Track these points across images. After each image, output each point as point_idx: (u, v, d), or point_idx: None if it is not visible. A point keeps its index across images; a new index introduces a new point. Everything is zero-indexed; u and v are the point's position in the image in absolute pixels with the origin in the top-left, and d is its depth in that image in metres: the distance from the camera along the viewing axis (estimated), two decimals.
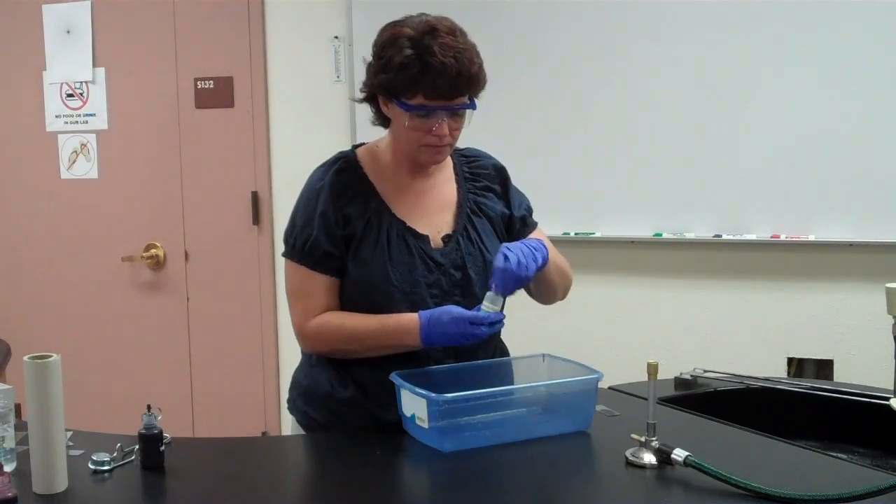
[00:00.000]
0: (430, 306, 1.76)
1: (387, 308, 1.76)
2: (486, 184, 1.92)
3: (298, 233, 1.81)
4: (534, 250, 1.71)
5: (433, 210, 1.85)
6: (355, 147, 1.91)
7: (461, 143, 1.88)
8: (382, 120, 1.82)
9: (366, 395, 1.81)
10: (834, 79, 2.97)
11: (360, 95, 1.82)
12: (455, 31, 1.70)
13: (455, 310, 1.69)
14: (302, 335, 1.84)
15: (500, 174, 1.95)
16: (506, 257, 1.67)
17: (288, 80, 3.62)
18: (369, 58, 1.78)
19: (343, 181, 1.81)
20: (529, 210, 1.97)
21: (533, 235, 1.93)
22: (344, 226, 1.78)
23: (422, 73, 1.66)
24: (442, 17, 1.73)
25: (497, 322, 1.69)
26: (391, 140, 1.84)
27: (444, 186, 1.89)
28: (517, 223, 1.93)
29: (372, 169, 1.85)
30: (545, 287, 1.88)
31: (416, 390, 1.64)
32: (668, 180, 3.17)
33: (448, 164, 1.91)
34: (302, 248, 1.80)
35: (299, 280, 1.82)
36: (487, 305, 1.69)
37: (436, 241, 1.82)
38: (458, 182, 1.91)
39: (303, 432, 1.91)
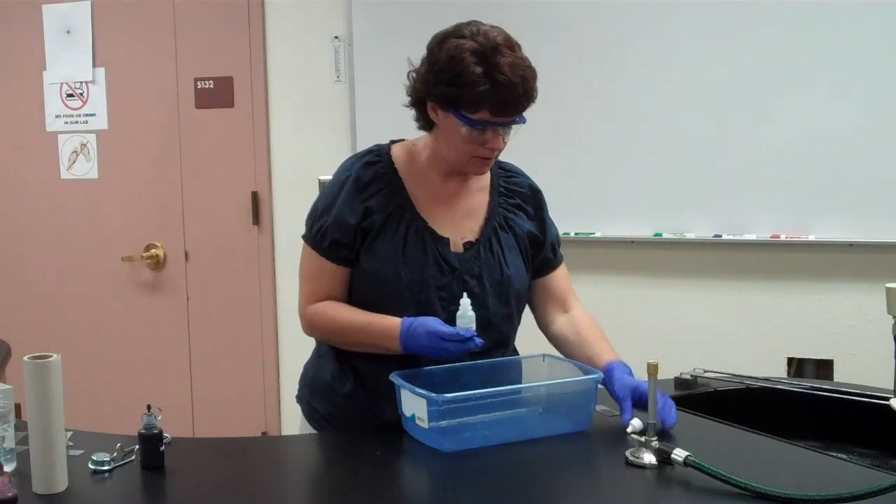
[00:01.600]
0: (438, 309, 1.77)
1: (394, 303, 1.76)
2: (518, 202, 1.93)
3: (316, 218, 1.83)
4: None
5: (460, 215, 1.86)
6: (392, 142, 1.91)
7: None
8: (427, 124, 1.81)
9: (364, 390, 1.82)
10: (834, 79, 2.97)
11: (407, 99, 1.81)
12: (514, 46, 1.71)
13: (432, 323, 1.69)
14: (302, 317, 1.87)
15: (536, 196, 1.96)
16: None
17: (288, 80, 3.62)
18: (415, 63, 1.77)
19: (371, 173, 1.82)
20: (559, 242, 1.99)
21: (559, 271, 1.97)
22: (364, 217, 1.79)
23: (491, 91, 1.66)
24: (496, 28, 1.73)
25: (470, 339, 1.67)
26: (432, 144, 1.83)
27: (476, 195, 1.89)
28: (548, 251, 1.95)
29: (405, 166, 1.85)
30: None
31: (416, 390, 1.64)
32: (668, 180, 3.17)
33: (485, 174, 1.91)
34: (316, 234, 1.82)
35: (309, 264, 1.85)
36: (459, 323, 1.70)
37: (456, 245, 1.83)
38: (491, 193, 1.91)
39: (308, 423, 1.93)
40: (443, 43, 1.72)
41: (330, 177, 1.88)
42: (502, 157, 1.91)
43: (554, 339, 1.94)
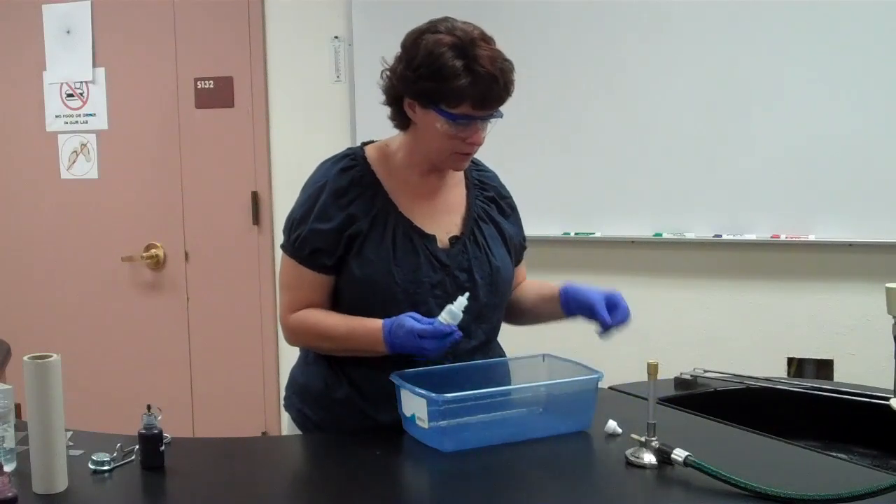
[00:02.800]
0: (433, 307, 1.76)
1: (389, 306, 1.75)
2: (492, 195, 1.94)
3: (294, 227, 1.82)
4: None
5: (441, 212, 1.86)
6: (364, 144, 1.91)
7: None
8: (403, 122, 1.81)
9: (362, 396, 1.81)
10: (834, 79, 2.97)
11: (383, 97, 1.81)
12: (490, 40, 1.72)
13: (408, 322, 1.67)
14: (284, 326, 1.86)
15: (509, 201, 1.97)
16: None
17: (288, 80, 3.62)
18: (390, 61, 1.78)
19: (348, 178, 1.81)
20: (524, 242, 2.01)
21: (522, 265, 2.01)
22: (349, 224, 1.78)
23: (472, 84, 1.67)
24: (468, 23, 1.73)
25: (449, 335, 1.65)
26: (408, 142, 1.83)
27: (454, 190, 1.90)
28: (517, 248, 1.97)
29: (380, 167, 1.84)
30: (531, 318, 1.98)
31: (416, 390, 1.64)
32: (668, 180, 3.17)
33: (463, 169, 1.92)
34: (294, 242, 1.81)
35: (289, 273, 1.84)
36: (444, 317, 1.66)
37: (442, 241, 1.83)
38: (467, 187, 1.92)
39: (298, 430, 1.92)
40: (419, 39, 1.72)
41: None
42: (488, 151, 1.92)
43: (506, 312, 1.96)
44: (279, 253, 3.79)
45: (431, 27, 1.73)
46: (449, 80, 1.67)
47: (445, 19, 1.74)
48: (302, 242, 1.79)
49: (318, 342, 1.83)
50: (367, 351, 1.76)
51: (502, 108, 1.76)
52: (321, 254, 1.78)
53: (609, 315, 1.77)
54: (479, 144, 1.77)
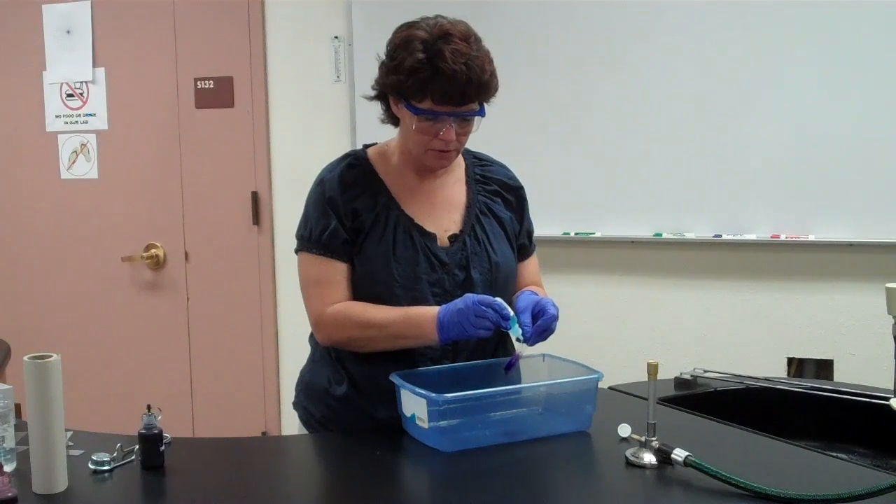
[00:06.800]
0: (431, 304, 1.76)
1: (388, 303, 1.76)
2: (496, 188, 1.93)
3: (314, 225, 1.81)
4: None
5: (441, 209, 1.86)
6: (366, 147, 1.92)
7: (477, 148, 1.91)
8: (392, 119, 1.83)
9: (358, 392, 1.82)
10: (834, 79, 2.97)
11: (372, 93, 1.83)
12: (469, 37, 1.70)
13: (470, 294, 1.68)
14: (319, 324, 1.81)
15: (518, 192, 1.96)
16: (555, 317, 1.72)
17: (288, 80, 3.62)
18: (383, 56, 1.78)
19: (353, 176, 1.82)
20: (531, 234, 1.99)
21: (532, 261, 1.98)
22: (353, 219, 1.79)
23: (432, 78, 1.66)
24: (457, 21, 1.73)
25: (504, 314, 1.65)
26: (399, 139, 1.85)
27: (454, 187, 1.90)
28: (524, 237, 1.96)
29: (382, 167, 1.86)
30: None
31: (416, 390, 1.64)
32: (668, 180, 3.17)
33: (459, 164, 1.92)
34: (319, 237, 1.79)
35: (317, 270, 1.81)
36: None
37: (442, 239, 1.83)
38: (468, 183, 1.91)
39: (304, 429, 1.92)
40: (397, 33, 1.74)
41: None
42: (488, 151, 1.91)
43: None
44: (279, 253, 3.78)
45: (415, 22, 1.74)
46: (409, 72, 1.67)
47: (436, 16, 1.74)
48: (332, 234, 1.78)
49: (359, 331, 1.77)
50: (412, 336, 1.73)
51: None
52: (348, 244, 1.79)
53: (532, 322, 1.71)
54: (452, 141, 1.74)
